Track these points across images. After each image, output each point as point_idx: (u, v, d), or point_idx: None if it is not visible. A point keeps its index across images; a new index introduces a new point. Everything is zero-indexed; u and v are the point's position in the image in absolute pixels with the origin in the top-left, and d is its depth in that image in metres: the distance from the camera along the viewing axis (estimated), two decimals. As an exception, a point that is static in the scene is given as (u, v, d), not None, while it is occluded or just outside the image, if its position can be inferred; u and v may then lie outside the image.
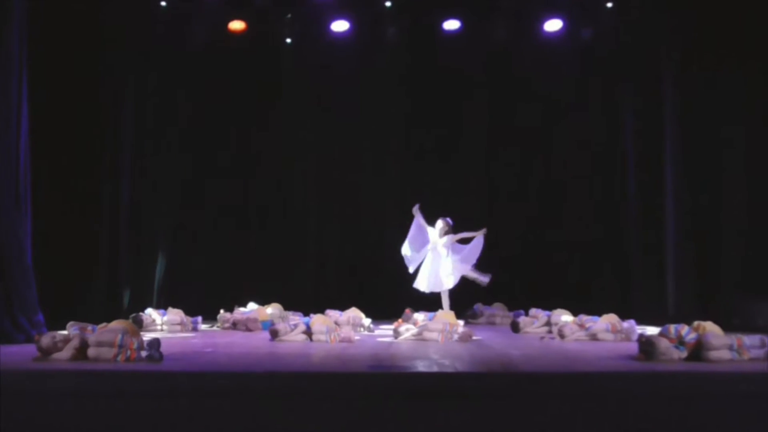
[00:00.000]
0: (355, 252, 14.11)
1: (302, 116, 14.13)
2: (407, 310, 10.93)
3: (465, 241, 11.62)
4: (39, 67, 9.93)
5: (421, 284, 11.56)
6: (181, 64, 13.54)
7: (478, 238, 11.49)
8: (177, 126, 13.67)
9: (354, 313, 11.09)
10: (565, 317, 10.62)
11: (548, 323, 10.84)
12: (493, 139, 14.26)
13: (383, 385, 6.55)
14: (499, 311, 12.93)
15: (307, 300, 13.20)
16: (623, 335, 9.72)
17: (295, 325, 9.69)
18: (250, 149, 14.16)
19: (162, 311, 11.46)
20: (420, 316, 10.28)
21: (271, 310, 11.90)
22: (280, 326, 9.70)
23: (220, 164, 14.06)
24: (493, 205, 14.21)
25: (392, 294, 12.46)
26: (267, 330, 9.94)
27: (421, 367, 7.30)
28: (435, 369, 7.24)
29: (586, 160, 13.98)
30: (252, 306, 12.12)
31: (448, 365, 7.46)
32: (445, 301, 11.47)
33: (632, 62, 13.15)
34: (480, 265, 13.27)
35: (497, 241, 13.74)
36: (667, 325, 7.76)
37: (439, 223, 11.65)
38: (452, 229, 11.64)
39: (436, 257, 11.55)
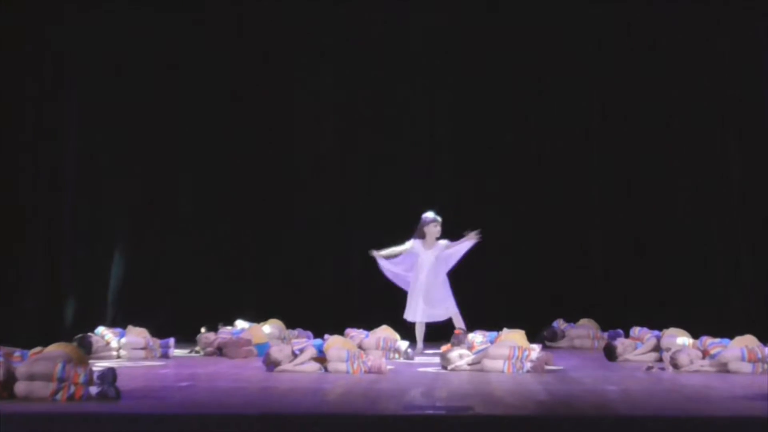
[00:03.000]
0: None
1: (316, 78, 14.47)
2: (457, 331, 10.95)
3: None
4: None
5: (416, 313, 11.88)
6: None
7: (467, 244, 11.88)
8: (143, 75, 13.78)
9: (385, 333, 11.20)
10: (680, 339, 10.58)
11: (657, 348, 10.84)
12: (568, 104, 14.38)
13: (426, 433, 6.50)
14: (587, 330, 12.92)
15: (319, 315, 13.29)
16: (766, 365, 9.64)
17: (303, 350, 9.77)
18: (243, 105, 14.32)
19: (119, 331, 11.53)
20: (478, 338, 10.28)
21: (270, 328, 12.00)
22: (281, 351, 9.75)
23: (201, 130, 14.19)
24: (579, 191, 14.35)
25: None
26: (263, 356, 9.99)
27: (480, 408, 7.26)
28: (499, 411, 7.21)
29: (704, 127, 13.96)
30: (242, 324, 12.17)
31: (518, 406, 7.42)
32: (459, 321, 11.71)
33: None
34: (553, 266, 13.48)
35: (583, 239, 14.21)
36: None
37: (431, 225, 11.92)
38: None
39: (432, 275, 11.88)
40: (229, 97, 14.25)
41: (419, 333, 11.95)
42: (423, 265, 12.00)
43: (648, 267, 13.93)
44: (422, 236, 12.06)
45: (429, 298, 11.92)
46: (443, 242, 12.04)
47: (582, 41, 14.18)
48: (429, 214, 12.11)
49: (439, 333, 11.68)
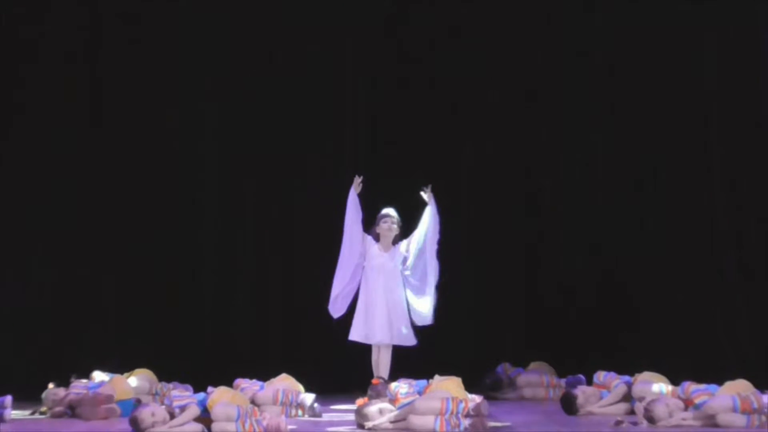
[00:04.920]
0: (288, 280, 14.28)
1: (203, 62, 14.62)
2: (375, 380, 11.11)
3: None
4: None
5: (376, 333, 11.91)
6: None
7: (427, 218, 12.06)
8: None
9: (285, 384, 11.25)
10: (657, 386, 10.73)
11: (628, 397, 10.95)
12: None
13: None
14: (540, 376, 12.98)
15: (201, 363, 13.33)
16: (763, 417, 9.71)
17: (184, 408, 9.74)
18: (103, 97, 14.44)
19: (-61, 389, 11.34)
20: (402, 388, 10.23)
21: (137, 381, 11.86)
22: (149, 411, 9.64)
23: (56, 151, 14.21)
24: (529, 210, 14.65)
25: (352, 351, 12.43)
26: (129, 416, 9.85)
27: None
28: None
29: (680, 122, 14.21)
30: (101, 376, 12.01)
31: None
32: (387, 358, 11.86)
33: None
34: (497, 298, 14.04)
35: (534, 263, 14.52)
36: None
37: (388, 224, 12.03)
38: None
39: (391, 284, 12.00)
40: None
41: (384, 361, 11.89)
42: (380, 271, 12.02)
43: (615, 297, 14.08)
44: (376, 237, 12.11)
45: (393, 315, 11.93)
46: (404, 243, 12.09)
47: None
48: (386, 210, 12.16)
49: (353, 382, 11.85)
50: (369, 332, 11.93)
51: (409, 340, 12.00)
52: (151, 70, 14.41)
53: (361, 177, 12.02)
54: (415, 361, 11.87)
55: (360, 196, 12.01)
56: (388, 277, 12.04)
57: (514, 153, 14.68)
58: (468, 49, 14.59)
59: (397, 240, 12.09)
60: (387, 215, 12.12)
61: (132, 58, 14.36)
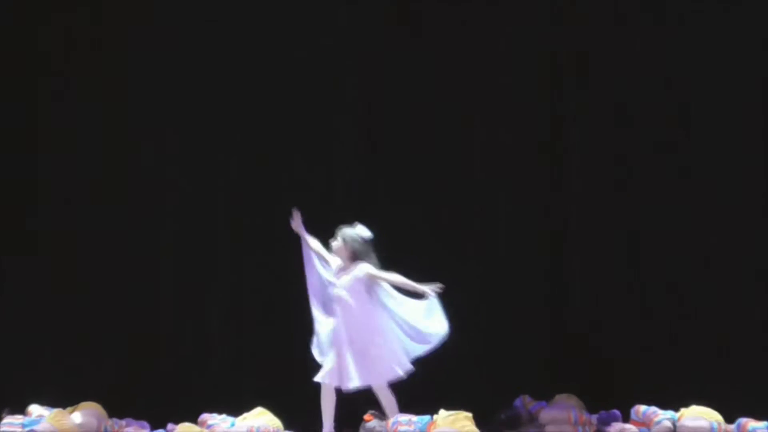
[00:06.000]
0: (268, 296, 14.19)
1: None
2: (368, 416, 11.16)
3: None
4: None
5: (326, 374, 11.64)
6: None
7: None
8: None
9: (261, 420, 11.36)
10: (707, 423, 10.71)
11: None
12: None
13: None
14: (567, 411, 12.55)
15: (159, 394, 13.28)
16: (832, 459, 9.74)
17: None
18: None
19: None
20: (401, 425, 10.42)
21: (83, 417, 11.69)
22: None
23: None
24: (551, 213, 14.47)
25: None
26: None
27: None
28: None
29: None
30: (39, 410, 11.96)
31: None
32: (387, 397, 11.53)
33: None
34: (516, 317, 13.98)
35: (558, 274, 14.37)
36: None
37: (340, 243, 11.74)
38: (371, 250, 11.74)
39: (349, 314, 11.64)
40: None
41: (385, 401, 11.55)
42: (337, 301, 11.67)
43: (656, 316, 13.92)
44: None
45: (356, 352, 11.58)
46: (365, 267, 11.60)
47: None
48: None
49: (342, 417, 11.68)
50: (324, 371, 11.63)
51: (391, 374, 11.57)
52: (148, 68, 14.63)
53: (296, 211, 11.87)
54: (417, 392, 11.66)
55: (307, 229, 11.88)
56: (345, 307, 11.61)
57: (527, 167, 14.63)
58: (469, 49, 14.71)
59: (360, 258, 11.63)
60: (338, 232, 11.81)
61: (132, 56, 14.60)
